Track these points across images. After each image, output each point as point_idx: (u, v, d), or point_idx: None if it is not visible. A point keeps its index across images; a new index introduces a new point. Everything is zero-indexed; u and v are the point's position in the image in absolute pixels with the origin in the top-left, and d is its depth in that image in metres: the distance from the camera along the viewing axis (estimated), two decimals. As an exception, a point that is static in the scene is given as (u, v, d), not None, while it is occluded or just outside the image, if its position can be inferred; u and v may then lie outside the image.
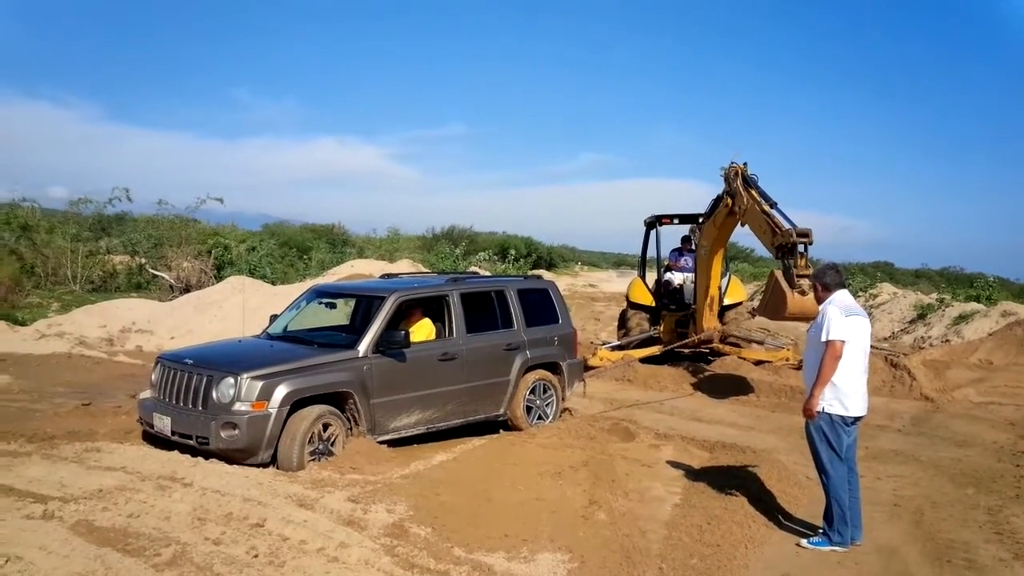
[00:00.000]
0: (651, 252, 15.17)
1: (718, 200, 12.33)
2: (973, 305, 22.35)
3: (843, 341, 5.41)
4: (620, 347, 13.73)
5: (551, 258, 64.56)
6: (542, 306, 9.11)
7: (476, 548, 5.05)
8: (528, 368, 8.72)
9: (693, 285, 14.34)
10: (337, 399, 7.08)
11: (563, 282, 34.59)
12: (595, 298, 31.57)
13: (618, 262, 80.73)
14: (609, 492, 6.40)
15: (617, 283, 36.00)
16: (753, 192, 11.40)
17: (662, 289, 14.69)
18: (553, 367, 9.05)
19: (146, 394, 7.59)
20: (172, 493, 5.59)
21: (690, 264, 14.80)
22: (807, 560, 5.40)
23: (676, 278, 14.79)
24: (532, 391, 8.80)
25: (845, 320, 5.47)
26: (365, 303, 8.45)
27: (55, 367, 11.20)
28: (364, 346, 7.32)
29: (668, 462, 7.65)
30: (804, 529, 5.89)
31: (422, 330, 8.04)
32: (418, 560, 4.78)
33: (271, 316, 8.74)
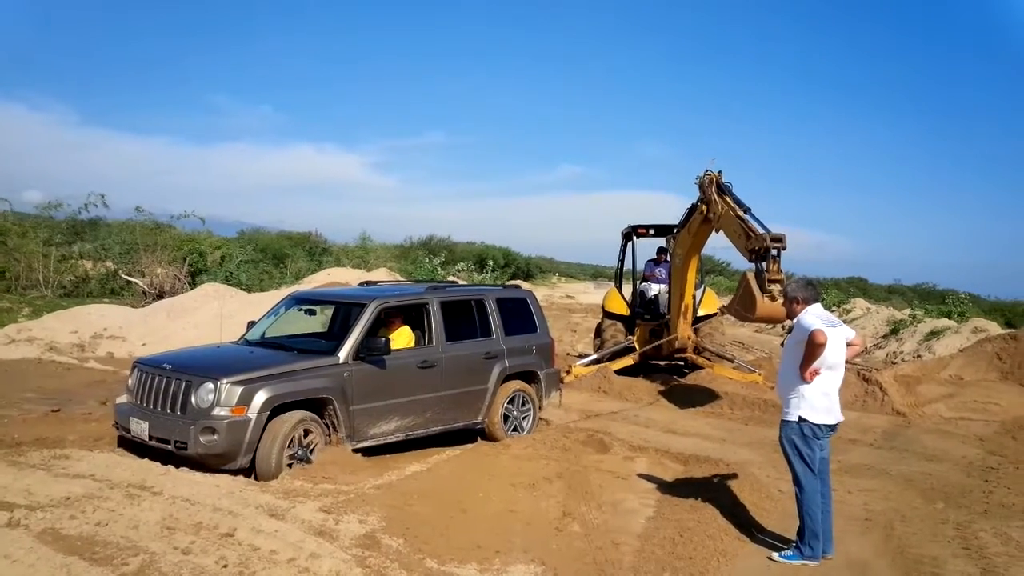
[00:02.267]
0: (628, 263, 15.26)
1: (693, 208, 12.41)
2: (945, 321, 22.65)
3: (824, 332, 5.45)
4: (596, 361, 13.75)
5: (529, 269, 64.62)
6: (521, 315, 9.15)
7: (448, 560, 5.02)
8: (507, 377, 8.74)
9: (668, 295, 14.44)
10: (316, 405, 7.07)
11: (541, 293, 34.65)
12: (572, 309, 31.64)
13: (596, 273, 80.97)
14: (583, 504, 6.40)
15: (595, 294, 36.06)
16: (727, 198, 11.48)
17: (637, 299, 14.77)
18: (531, 376, 9.09)
19: (122, 399, 7.53)
20: (141, 502, 5.52)
21: (664, 275, 14.89)
22: (778, 574, 5.43)
23: (651, 289, 14.88)
24: (510, 401, 8.80)
25: (823, 327, 5.52)
26: (344, 310, 8.44)
27: (25, 373, 11.05)
28: (344, 353, 7.31)
29: (642, 474, 7.67)
30: (776, 542, 5.92)
31: (401, 338, 8.04)
32: (389, 571, 4.75)
33: (248, 323, 8.70)
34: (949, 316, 24.12)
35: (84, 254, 23.80)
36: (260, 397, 6.63)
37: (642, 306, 14.73)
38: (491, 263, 33.54)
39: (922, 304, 29.56)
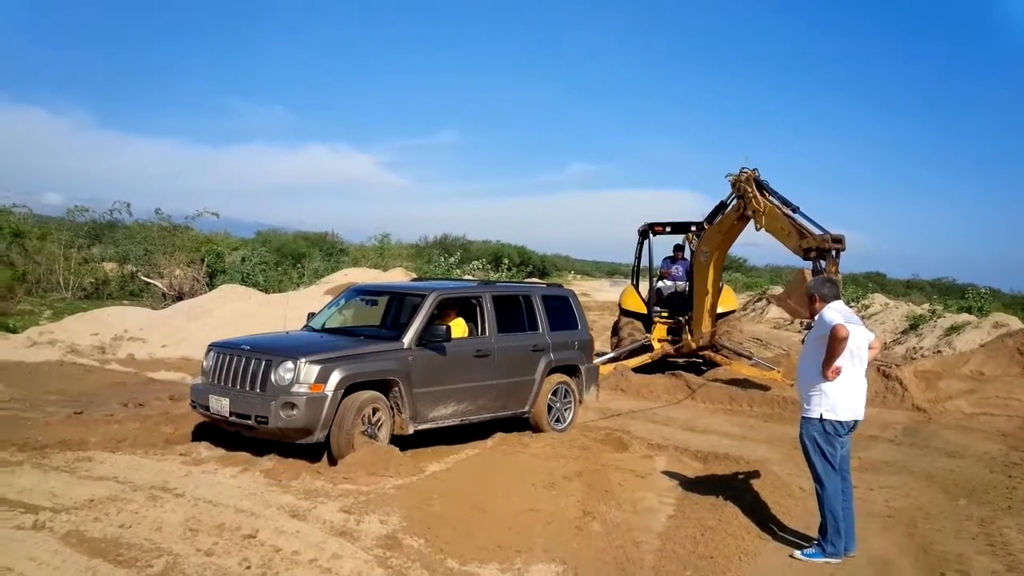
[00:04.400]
0: (644, 261, 15.22)
1: (721, 206, 12.39)
2: (965, 316, 22.46)
3: (845, 326, 5.43)
4: (614, 359, 13.72)
5: (544, 267, 64.65)
6: (564, 312, 9.56)
7: (469, 559, 5.03)
8: (552, 370, 9.10)
9: (685, 293, 14.40)
10: (383, 386, 7.46)
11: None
12: (588, 307, 31.44)
13: (611, 271, 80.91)
14: (603, 503, 6.40)
15: (610, 292, 36.04)
16: (769, 196, 11.50)
17: (654, 297, 14.73)
18: (573, 370, 9.43)
19: (197, 380, 7.89)
20: (164, 503, 5.57)
21: (681, 272, 14.86)
22: (800, 572, 5.40)
23: (668, 286, 14.84)
24: (554, 392, 9.14)
25: (845, 323, 5.50)
26: (402, 301, 8.98)
27: (46, 375, 11.15)
28: (408, 338, 7.72)
29: (661, 472, 7.64)
30: (798, 540, 5.89)
31: (456, 328, 8.37)
32: (411, 571, 4.76)
33: (309, 313, 9.24)
34: (969, 311, 23.92)
35: (104, 256, 24.03)
36: (336, 376, 7.02)
37: (659, 304, 14.69)
38: (506, 261, 33.50)
39: (941, 299, 29.32)
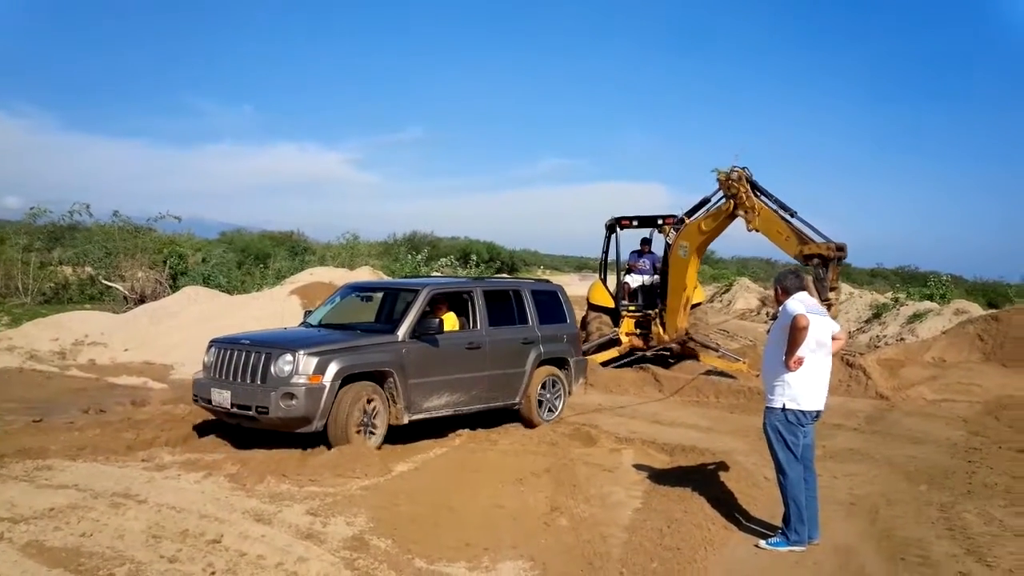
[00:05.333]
0: (612, 255, 15.27)
1: (704, 202, 12.56)
2: (927, 304, 22.82)
3: (806, 316, 5.49)
4: (583, 354, 13.74)
5: (513, 262, 64.66)
6: (553, 306, 9.89)
7: (437, 558, 5.02)
8: (541, 362, 9.39)
9: (652, 286, 14.49)
10: (379, 378, 7.77)
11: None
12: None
13: (580, 265, 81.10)
14: (571, 498, 6.41)
15: (579, 286, 36.07)
16: (763, 198, 11.72)
17: (622, 291, 14.79)
18: (562, 363, 9.73)
19: (199, 374, 8.10)
20: (126, 511, 5.50)
21: (648, 266, 14.94)
22: (766, 561, 5.45)
23: (635, 280, 14.91)
24: (543, 384, 9.41)
25: (807, 313, 5.57)
26: (393, 298, 9.29)
27: (5, 382, 10.94)
28: (402, 331, 8.04)
29: (629, 466, 7.67)
30: (763, 529, 5.95)
31: (448, 322, 8.63)
32: (378, 573, 4.74)
33: (305, 311, 9.74)
34: (931, 299, 24.29)
35: (64, 260, 23.60)
36: (333, 367, 7.33)
37: (627, 297, 14.76)
38: (475, 257, 33.45)
39: (905, 287, 29.75)
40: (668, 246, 13.57)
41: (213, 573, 4.58)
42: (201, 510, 5.56)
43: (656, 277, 14.82)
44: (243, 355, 7.56)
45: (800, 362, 5.59)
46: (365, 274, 18.79)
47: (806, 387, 5.65)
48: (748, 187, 11.81)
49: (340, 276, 18.00)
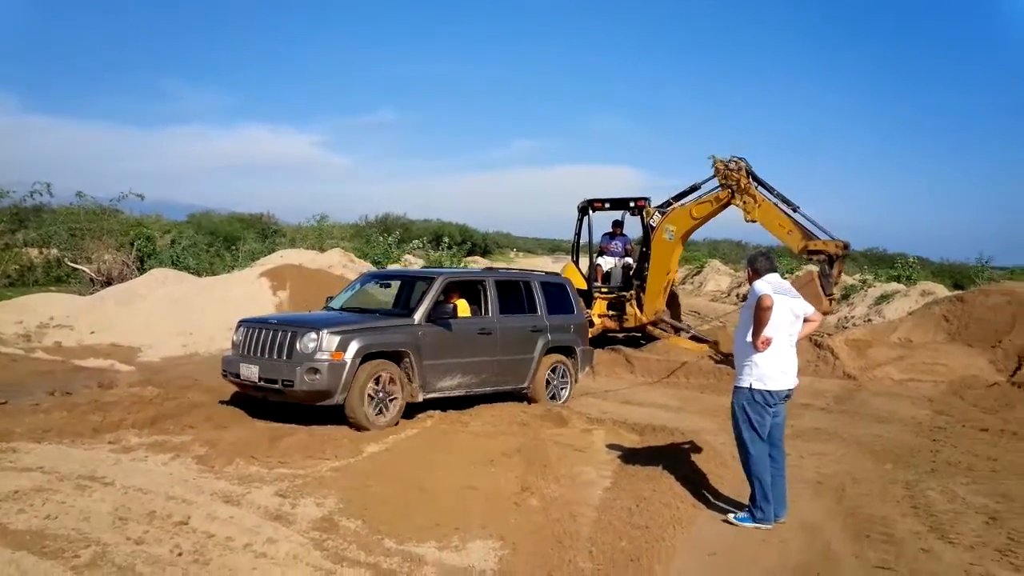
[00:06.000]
0: (584, 237, 15.29)
1: (693, 188, 12.81)
2: (894, 285, 23.12)
3: (770, 296, 5.54)
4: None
5: (486, 245, 64.57)
6: (560, 297, 10.29)
7: (407, 539, 5.02)
8: (549, 349, 9.79)
9: (625, 268, 14.56)
10: (396, 357, 8.22)
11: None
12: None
13: (553, 248, 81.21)
14: (541, 478, 6.43)
15: (553, 268, 36.23)
16: (766, 192, 12.00)
17: (594, 273, 14.83)
18: (569, 351, 10.10)
19: (227, 352, 8.69)
20: (92, 493, 5.43)
21: (620, 248, 14.99)
22: (733, 539, 5.51)
23: (607, 262, 14.95)
24: (552, 371, 9.83)
25: (773, 294, 5.61)
26: (410, 286, 9.71)
27: (-31, 365, 10.75)
28: (419, 315, 8.55)
29: (600, 446, 7.72)
30: (731, 508, 6.01)
31: (461, 309, 9.06)
32: (348, 553, 4.73)
33: (327, 297, 10.06)
34: (898, 280, 24.60)
35: (29, 242, 23.15)
36: (354, 345, 7.83)
37: (599, 279, 14.80)
38: (447, 240, 33.25)
39: (872, 269, 30.09)
40: (651, 228, 13.65)
41: (180, 554, 4.53)
42: (168, 492, 5.51)
43: (628, 259, 14.88)
44: (271, 333, 8.08)
45: (768, 343, 5.64)
46: (336, 256, 18.66)
47: (773, 367, 5.70)
48: (748, 178, 12.02)
49: (310, 258, 17.88)
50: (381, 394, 7.97)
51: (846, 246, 11.40)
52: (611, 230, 15.44)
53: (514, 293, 9.75)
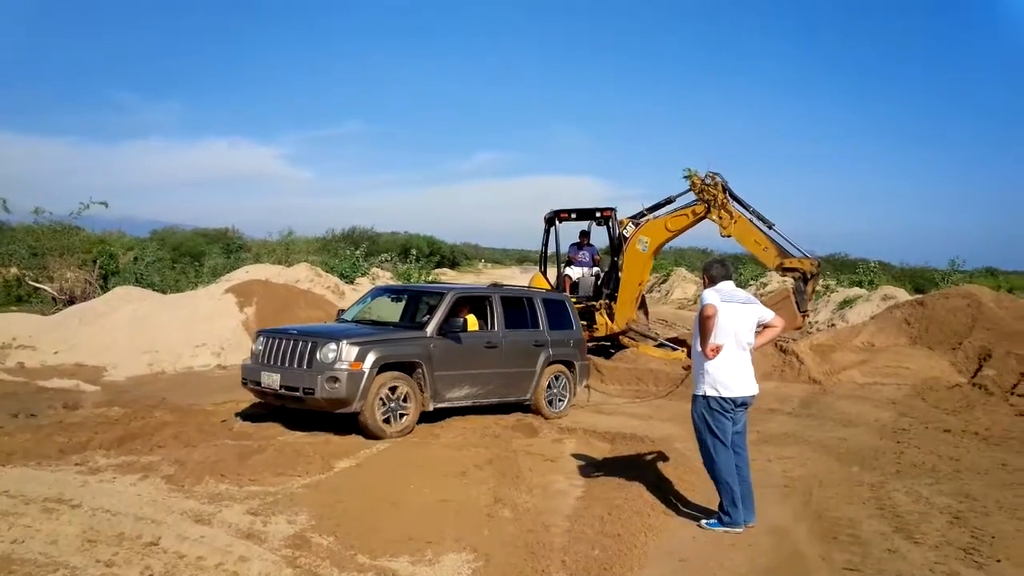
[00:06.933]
0: (552, 247, 15.36)
1: (668, 200, 13.08)
2: (856, 290, 23.48)
3: (714, 304, 5.65)
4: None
5: (454, 256, 64.47)
6: (560, 314, 10.70)
7: (380, 554, 5.01)
8: (550, 362, 10.15)
9: (594, 278, 14.67)
10: (409, 368, 8.57)
11: (467, 280, 34.59)
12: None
13: (521, 258, 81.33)
14: (513, 489, 6.47)
15: (521, 279, 36.25)
16: (738, 206, 12.27)
17: (561, 283, 14.90)
18: (569, 364, 10.43)
19: (247, 361, 8.99)
20: (59, 515, 5.36)
21: (587, 258, 15.09)
22: (703, 545, 5.58)
23: (575, 272, 15.04)
24: (550, 384, 10.14)
25: (720, 302, 5.70)
26: (422, 299, 10.21)
27: (-72, 389, 10.53)
28: (431, 328, 8.91)
29: (571, 455, 7.77)
30: (700, 514, 6.07)
31: (469, 323, 9.42)
32: (321, 570, 4.72)
33: (339, 310, 10.66)
34: (860, 285, 24.97)
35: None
36: (372, 356, 8.19)
37: (567, 289, 14.87)
38: (415, 252, 33.27)
39: (835, 274, 30.51)
40: (624, 239, 13.76)
41: (151, 576, 4.50)
42: (137, 512, 5.45)
43: (596, 269, 14.98)
44: (291, 343, 8.43)
45: (717, 350, 5.71)
46: (303, 271, 18.56)
47: (727, 375, 5.76)
48: (724, 194, 12.34)
49: (276, 273, 17.77)
50: (394, 403, 8.28)
51: (819, 265, 11.92)
52: (578, 240, 15.52)
53: (518, 309, 10.16)
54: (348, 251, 27.34)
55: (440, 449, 7.80)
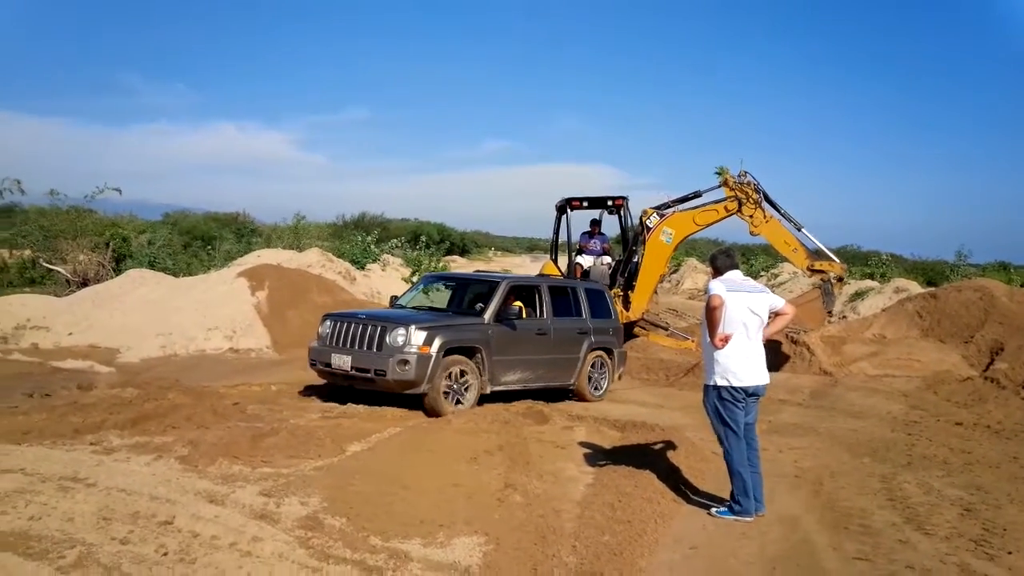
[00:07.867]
0: (563, 235, 15.35)
1: (695, 194, 13.24)
2: (868, 282, 23.39)
3: (719, 295, 5.65)
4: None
5: (464, 244, 64.40)
6: (600, 303, 11.16)
7: (392, 536, 5.05)
8: (592, 349, 10.58)
9: (605, 267, 14.65)
10: (470, 352, 9.03)
11: (478, 268, 34.57)
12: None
13: (531, 247, 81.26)
14: (524, 475, 6.49)
15: (531, 268, 36.27)
16: (772, 209, 12.64)
17: (572, 271, 14.90)
18: (608, 351, 10.88)
19: (313, 343, 9.41)
20: (75, 494, 5.40)
21: (599, 247, 15.07)
22: (713, 533, 5.60)
23: (586, 260, 15.03)
24: (593, 368, 10.61)
25: (726, 292, 5.70)
26: (475, 287, 10.64)
27: (-56, 368, 10.64)
28: (488, 315, 9.39)
29: (581, 443, 7.79)
30: (710, 502, 6.10)
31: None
32: (333, 551, 4.75)
33: (392, 296, 11.10)
34: (872, 277, 24.89)
35: (1, 242, 22.85)
36: (439, 340, 8.64)
37: (578, 277, 14.86)
38: (425, 239, 33.22)
39: (848, 266, 30.37)
40: (646, 228, 13.72)
41: (166, 554, 4.53)
42: (152, 492, 5.49)
43: (606, 257, 14.96)
44: (360, 327, 8.86)
45: (726, 340, 5.71)
46: (315, 256, 18.62)
47: (737, 364, 5.77)
48: (758, 195, 12.57)
49: (288, 258, 17.83)
50: (456, 386, 8.77)
51: (847, 268, 12.38)
52: (589, 229, 15.50)
53: (564, 298, 10.61)
54: (359, 237, 27.37)
55: (451, 435, 7.82)
